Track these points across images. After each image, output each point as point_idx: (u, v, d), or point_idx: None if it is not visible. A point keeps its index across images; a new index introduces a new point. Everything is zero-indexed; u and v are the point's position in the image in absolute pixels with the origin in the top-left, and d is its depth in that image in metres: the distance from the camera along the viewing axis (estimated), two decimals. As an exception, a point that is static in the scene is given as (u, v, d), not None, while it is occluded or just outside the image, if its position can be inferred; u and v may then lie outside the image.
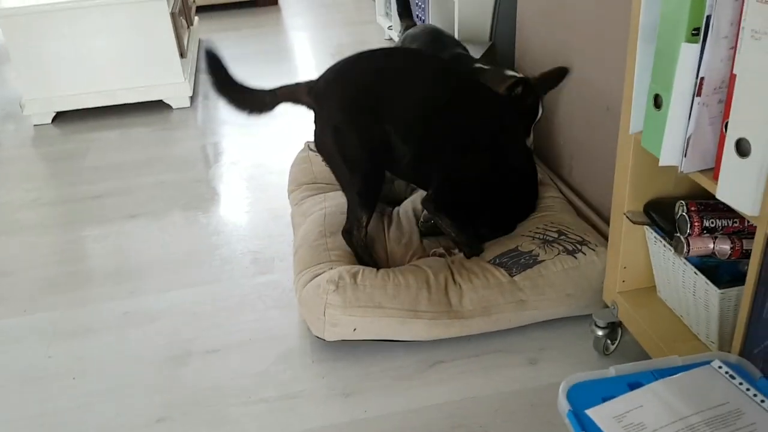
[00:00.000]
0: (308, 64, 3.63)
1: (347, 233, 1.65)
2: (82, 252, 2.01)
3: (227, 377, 1.48)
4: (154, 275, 1.85)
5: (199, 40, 3.91)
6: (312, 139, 1.69)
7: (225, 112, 3.01)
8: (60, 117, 3.00)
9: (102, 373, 1.52)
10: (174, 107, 3.05)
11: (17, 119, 3.04)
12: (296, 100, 1.66)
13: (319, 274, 1.55)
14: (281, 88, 1.67)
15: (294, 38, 4.10)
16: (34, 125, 2.95)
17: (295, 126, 2.74)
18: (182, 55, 3.04)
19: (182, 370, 1.51)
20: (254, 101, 1.67)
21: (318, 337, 1.52)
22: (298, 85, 1.67)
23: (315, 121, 1.65)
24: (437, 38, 2.13)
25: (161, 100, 3.04)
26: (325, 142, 1.64)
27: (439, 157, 1.63)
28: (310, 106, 1.65)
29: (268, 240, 1.98)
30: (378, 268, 1.58)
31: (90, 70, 2.90)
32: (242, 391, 1.43)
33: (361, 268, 1.56)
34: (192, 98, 3.11)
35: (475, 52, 2.14)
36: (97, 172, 2.49)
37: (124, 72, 2.95)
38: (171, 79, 3.00)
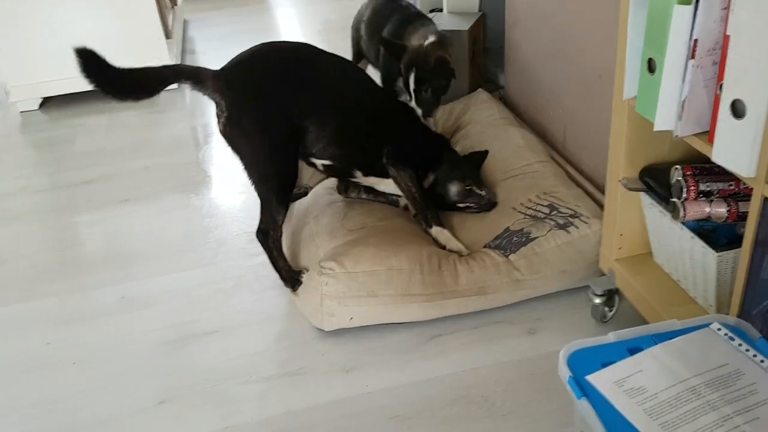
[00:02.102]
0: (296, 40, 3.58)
1: (262, 233, 1.59)
2: (75, 238, 2.00)
3: (227, 358, 1.48)
4: (149, 259, 1.85)
5: (184, 20, 3.86)
6: None
7: (213, 92, 2.97)
8: (47, 103, 2.96)
9: (102, 358, 1.52)
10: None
11: (3, 106, 3.00)
12: (199, 82, 1.56)
13: (311, 266, 1.56)
14: (181, 65, 1.60)
15: (280, 15, 4.05)
16: (21, 112, 2.92)
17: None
18: (167, 36, 3.00)
19: (182, 352, 1.51)
20: (151, 78, 1.58)
21: (318, 328, 1.52)
22: (202, 68, 1.60)
23: (224, 111, 1.56)
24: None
25: (148, 83, 3.00)
26: (235, 135, 1.57)
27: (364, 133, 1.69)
28: (213, 93, 1.56)
29: (263, 220, 1.97)
30: (294, 270, 1.59)
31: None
32: (243, 371, 1.44)
33: (350, 249, 1.54)
34: (179, 80, 3.07)
35: (464, 23, 2.12)
36: (86, 158, 2.47)
37: (110, 55, 2.85)
38: (157, 61, 2.92)
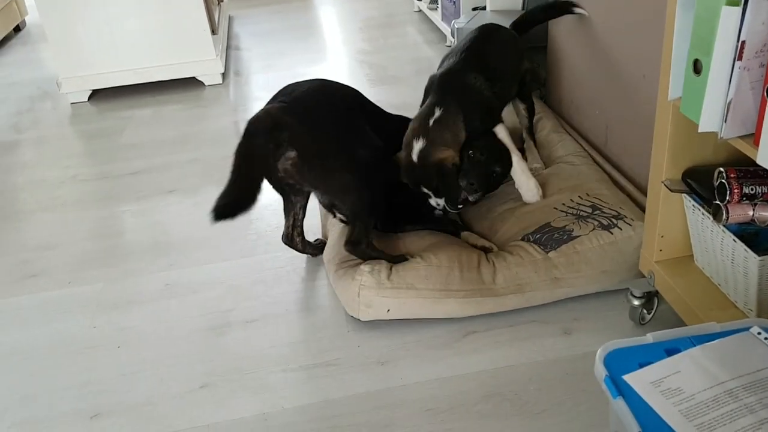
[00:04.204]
0: (336, 38, 3.62)
1: (353, 245, 1.57)
2: (121, 227, 2.06)
3: (266, 346, 1.51)
4: (192, 249, 1.89)
5: (229, 17, 3.93)
6: None
7: (256, 88, 3.03)
8: (96, 95, 3.05)
9: (145, 342, 1.56)
10: (206, 84, 3.08)
11: (54, 98, 3.11)
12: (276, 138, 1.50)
13: (353, 258, 1.59)
14: (252, 144, 1.50)
15: (322, 12, 4.09)
16: (71, 103, 3.01)
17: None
18: (213, 31, 3.07)
19: (222, 339, 1.55)
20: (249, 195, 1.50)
21: (353, 317, 1.54)
22: (268, 111, 1.54)
23: (300, 143, 1.50)
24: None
25: (194, 78, 3.08)
26: (325, 159, 1.54)
27: None
28: (283, 126, 1.50)
29: (302, 213, 2.00)
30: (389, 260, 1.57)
31: (124, 49, 2.94)
32: (281, 359, 1.47)
33: (390, 244, 1.57)
34: (224, 75, 3.13)
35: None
36: (133, 149, 2.54)
37: (157, 50, 2.98)
38: (203, 56, 3.02)
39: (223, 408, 1.36)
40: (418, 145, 1.61)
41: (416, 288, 1.49)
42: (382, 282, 1.49)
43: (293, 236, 1.74)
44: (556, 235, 1.57)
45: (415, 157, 1.62)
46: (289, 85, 1.63)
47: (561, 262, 1.52)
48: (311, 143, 1.52)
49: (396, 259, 1.57)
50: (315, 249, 1.78)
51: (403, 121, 1.73)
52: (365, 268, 1.50)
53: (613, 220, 1.57)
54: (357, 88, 1.73)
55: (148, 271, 1.82)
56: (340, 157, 1.55)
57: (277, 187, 1.63)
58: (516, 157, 1.72)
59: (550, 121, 2.10)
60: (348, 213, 1.63)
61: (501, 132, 1.72)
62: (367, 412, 1.32)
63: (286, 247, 1.77)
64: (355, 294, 1.50)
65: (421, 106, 1.74)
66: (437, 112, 1.64)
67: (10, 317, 1.70)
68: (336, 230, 1.72)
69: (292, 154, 1.50)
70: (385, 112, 1.78)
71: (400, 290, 1.49)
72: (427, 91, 1.76)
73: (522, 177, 1.73)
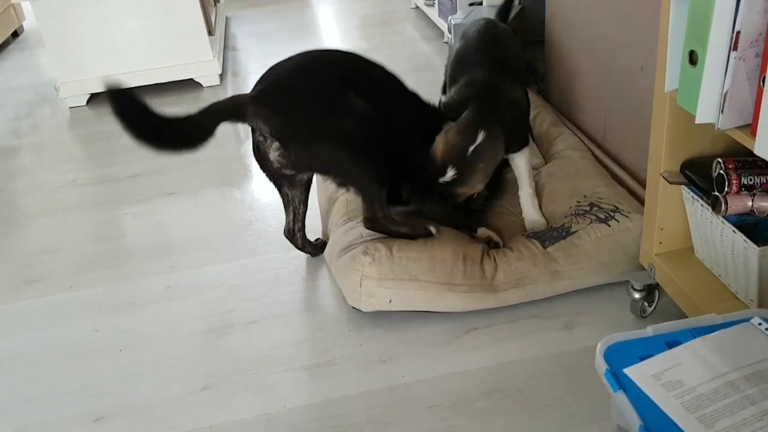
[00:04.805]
0: (334, 37, 3.62)
1: (371, 221, 1.55)
2: (121, 230, 2.06)
3: (267, 346, 1.51)
4: (192, 251, 1.89)
5: (226, 17, 3.92)
6: None
7: (254, 88, 3.02)
8: (94, 99, 3.05)
9: (147, 345, 1.56)
10: (204, 85, 3.08)
11: (53, 102, 3.11)
12: (239, 116, 1.47)
13: (355, 246, 1.57)
14: (213, 107, 1.44)
15: (319, 12, 4.08)
16: (70, 107, 3.01)
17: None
18: (210, 32, 3.07)
19: (224, 341, 1.55)
20: (188, 131, 1.43)
21: (354, 308, 1.54)
22: (233, 99, 1.49)
23: (279, 132, 1.46)
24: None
25: (192, 79, 3.07)
26: (309, 144, 1.48)
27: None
28: (258, 118, 1.45)
29: (302, 213, 2.00)
30: (415, 237, 1.55)
31: (122, 51, 2.94)
32: (282, 360, 1.47)
33: (396, 240, 1.55)
34: (221, 76, 3.13)
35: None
36: (132, 152, 2.53)
37: (155, 52, 2.98)
38: (200, 57, 3.02)
39: (225, 409, 1.36)
40: (449, 174, 1.52)
41: (419, 280, 1.49)
42: (384, 272, 1.48)
43: (294, 231, 1.72)
44: (554, 234, 1.57)
45: (441, 181, 1.54)
46: (271, 67, 1.55)
47: (560, 255, 1.52)
48: (290, 130, 1.46)
49: (419, 232, 1.53)
50: (315, 249, 1.78)
51: (418, 103, 1.65)
52: (367, 258, 1.49)
53: (611, 213, 1.56)
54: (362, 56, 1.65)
55: (149, 274, 1.82)
56: (324, 136, 1.47)
57: (274, 179, 1.61)
58: (526, 192, 1.69)
59: (549, 115, 2.09)
60: (355, 190, 1.57)
61: (523, 159, 1.65)
62: (369, 411, 1.32)
63: (287, 247, 1.77)
64: (356, 284, 1.50)
65: (446, 91, 1.64)
66: (480, 138, 1.52)
67: (12, 322, 1.70)
68: (338, 231, 1.71)
69: (276, 144, 1.47)
70: (400, 86, 1.66)
71: (402, 281, 1.48)
72: (453, 89, 1.67)
73: (530, 210, 1.69)
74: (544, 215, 1.69)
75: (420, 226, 1.57)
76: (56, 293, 1.79)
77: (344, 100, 1.50)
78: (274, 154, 1.50)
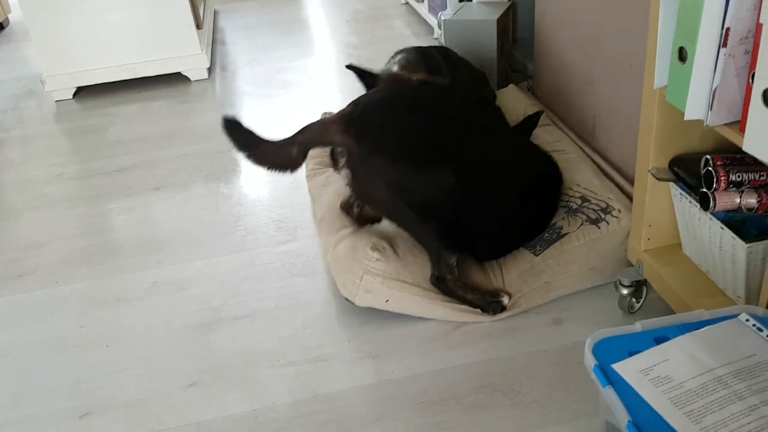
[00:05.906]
0: (323, 32, 3.60)
1: (439, 281, 1.48)
2: (108, 224, 2.04)
3: (256, 342, 1.50)
4: (180, 246, 1.88)
5: (214, 11, 3.90)
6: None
7: (243, 83, 3.01)
8: (81, 92, 3.02)
9: (134, 340, 1.55)
10: (192, 79, 3.06)
11: (39, 96, 3.08)
12: (326, 142, 1.48)
13: (355, 234, 1.56)
14: (302, 134, 1.44)
15: (308, 6, 4.07)
16: (56, 101, 2.98)
17: (312, 96, 2.74)
18: (198, 26, 3.04)
19: (212, 336, 1.54)
20: (279, 157, 1.47)
21: (347, 299, 1.53)
22: (323, 123, 1.45)
23: (355, 165, 1.42)
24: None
25: (179, 73, 3.05)
26: (379, 195, 1.43)
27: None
28: (342, 146, 1.43)
29: (291, 209, 2.00)
30: (483, 309, 1.48)
31: (109, 45, 2.91)
32: (271, 355, 1.46)
33: (400, 241, 1.55)
34: (210, 70, 3.11)
35: (494, 13, 2.11)
36: (119, 146, 2.52)
37: (142, 45, 2.96)
38: (188, 51, 3.00)
39: (213, 405, 1.35)
40: (396, 62, 1.64)
41: (421, 287, 1.48)
42: (390, 272, 1.48)
43: (352, 205, 1.70)
44: (545, 235, 1.57)
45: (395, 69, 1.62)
46: (382, 92, 1.50)
47: (549, 264, 1.52)
48: (364, 173, 1.42)
49: (487, 305, 1.48)
50: (366, 221, 1.69)
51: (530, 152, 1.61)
52: (375, 254, 1.49)
53: (601, 213, 1.56)
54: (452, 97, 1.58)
55: (136, 269, 1.80)
56: (394, 192, 1.41)
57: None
58: None
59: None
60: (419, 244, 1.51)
61: None
62: (357, 406, 1.32)
63: (276, 242, 1.76)
64: (357, 276, 1.49)
65: None
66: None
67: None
68: (334, 212, 1.69)
69: (347, 171, 1.46)
70: (506, 130, 1.59)
71: (404, 284, 1.48)
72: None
73: None
74: None
75: (488, 297, 1.49)
76: (42, 288, 1.77)
77: (432, 167, 1.39)
78: (342, 171, 1.47)
